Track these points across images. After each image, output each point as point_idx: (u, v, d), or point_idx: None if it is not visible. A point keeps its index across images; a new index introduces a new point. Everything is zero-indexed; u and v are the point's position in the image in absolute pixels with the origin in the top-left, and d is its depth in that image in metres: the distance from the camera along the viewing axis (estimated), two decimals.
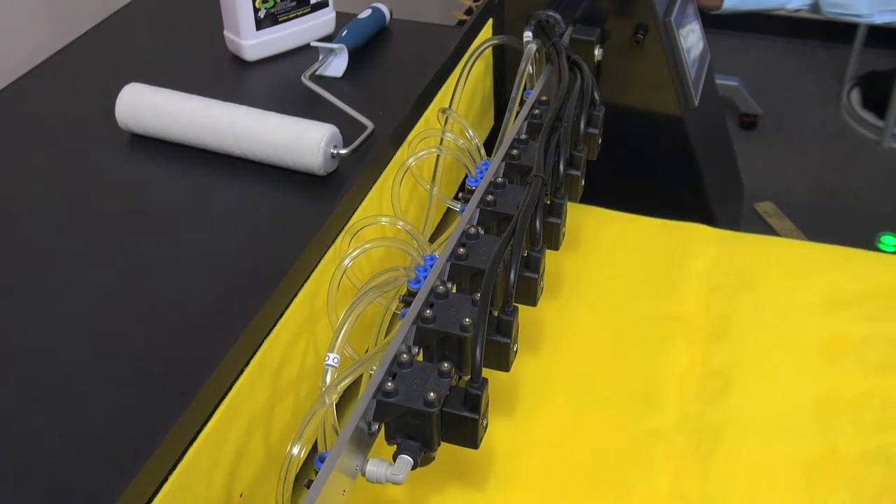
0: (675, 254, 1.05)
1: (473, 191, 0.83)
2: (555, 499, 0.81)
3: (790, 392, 0.89)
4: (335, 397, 0.63)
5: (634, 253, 1.06)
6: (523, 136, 0.90)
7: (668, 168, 1.24)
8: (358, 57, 1.01)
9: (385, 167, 0.88)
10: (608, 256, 1.05)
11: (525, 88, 1.00)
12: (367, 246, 0.74)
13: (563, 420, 0.87)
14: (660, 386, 0.90)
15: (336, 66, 0.99)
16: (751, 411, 0.87)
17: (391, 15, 1.08)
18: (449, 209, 0.97)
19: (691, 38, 1.22)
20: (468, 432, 0.64)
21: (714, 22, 1.44)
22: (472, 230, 0.77)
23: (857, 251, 1.05)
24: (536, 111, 0.94)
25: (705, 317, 0.97)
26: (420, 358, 0.69)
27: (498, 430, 0.84)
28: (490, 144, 0.97)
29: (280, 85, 0.99)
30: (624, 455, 0.83)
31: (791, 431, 0.85)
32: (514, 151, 0.87)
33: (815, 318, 0.96)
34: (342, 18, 1.07)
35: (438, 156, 0.91)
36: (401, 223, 0.79)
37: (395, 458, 0.63)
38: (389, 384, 0.63)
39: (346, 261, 0.73)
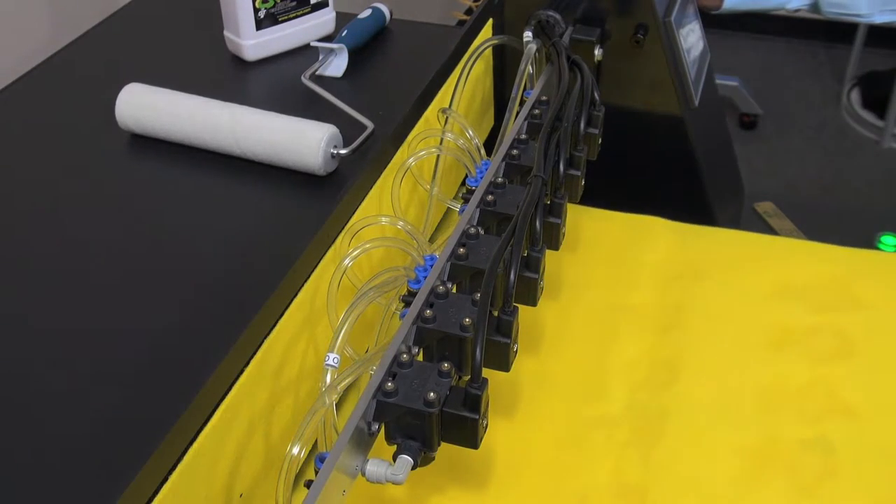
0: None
1: (473, 191, 0.83)
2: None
3: (735, 381, 0.90)
4: (335, 397, 0.63)
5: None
6: (523, 136, 0.90)
7: (668, 168, 1.24)
8: (358, 57, 1.01)
9: (385, 167, 0.88)
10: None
11: (525, 88, 1.00)
12: (367, 246, 0.74)
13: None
14: (611, 376, 0.91)
15: (336, 66, 0.99)
16: (696, 399, 0.88)
17: (391, 15, 1.08)
18: (449, 209, 0.97)
19: (691, 38, 1.22)
20: (468, 432, 0.64)
21: (714, 22, 1.44)
22: (472, 230, 0.77)
23: (807, 243, 1.07)
24: (536, 111, 0.94)
25: (659, 306, 0.98)
26: (420, 358, 0.69)
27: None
28: (490, 144, 0.97)
29: (280, 85, 0.99)
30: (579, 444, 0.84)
31: (733, 419, 0.86)
32: (514, 151, 0.87)
33: (765, 309, 0.98)
34: (342, 18, 1.07)
35: (438, 156, 0.91)
36: (401, 223, 0.79)
37: (395, 458, 0.63)
38: (389, 384, 0.63)
39: (346, 261, 0.73)
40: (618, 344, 0.94)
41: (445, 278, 0.74)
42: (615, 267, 1.04)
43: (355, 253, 0.73)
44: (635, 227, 1.09)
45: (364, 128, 0.87)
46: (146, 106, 0.87)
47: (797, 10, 1.44)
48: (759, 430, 0.85)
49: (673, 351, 0.93)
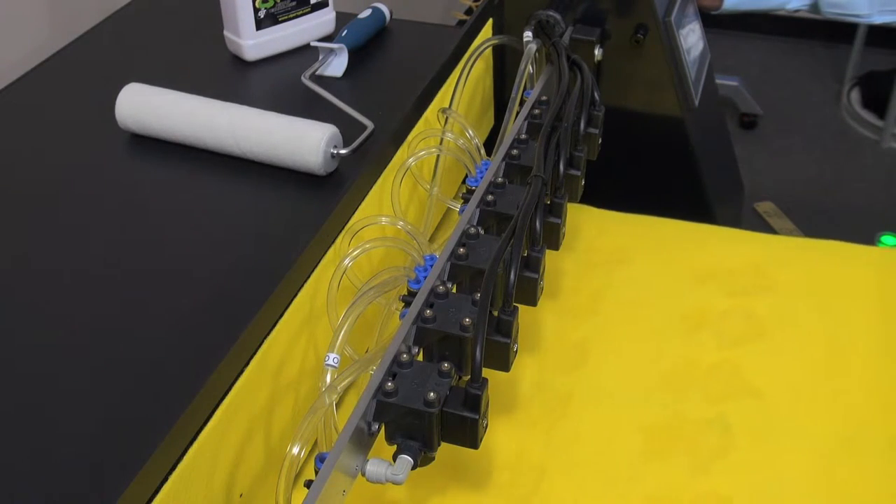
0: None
1: (473, 191, 0.83)
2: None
3: (645, 362, 0.92)
4: (335, 397, 0.63)
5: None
6: (523, 136, 0.90)
7: (668, 168, 1.24)
8: (358, 57, 1.01)
9: (385, 167, 0.88)
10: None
11: (525, 88, 1.00)
12: (367, 246, 0.74)
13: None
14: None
15: (336, 66, 0.99)
16: (603, 380, 0.90)
17: (391, 15, 1.08)
18: (449, 209, 0.97)
19: (691, 38, 1.22)
20: (468, 432, 0.64)
21: (714, 22, 1.44)
22: (472, 230, 0.77)
23: (729, 230, 1.09)
24: (536, 111, 0.94)
25: (576, 291, 1.00)
26: (420, 358, 0.69)
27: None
28: (490, 144, 0.97)
29: (280, 85, 0.99)
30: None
31: (638, 399, 0.88)
32: (514, 151, 0.87)
33: (682, 293, 0.99)
34: (342, 18, 1.07)
35: (438, 156, 0.91)
36: (401, 223, 0.79)
37: (395, 458, 0.63)
38: (389, 384, 0.63)
39: (346, 261, 0.73)
40: (538, 328, 0.96)
41: (445, 278, 0.74)
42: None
43: (355, 253, 0.73)
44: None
45: (364, 128, 0.87)
46: (146, 106, 0.87)
47: (797, 11, 1.44)
48: (663, 410, 0.86)
49: (587, 334, 0.95)
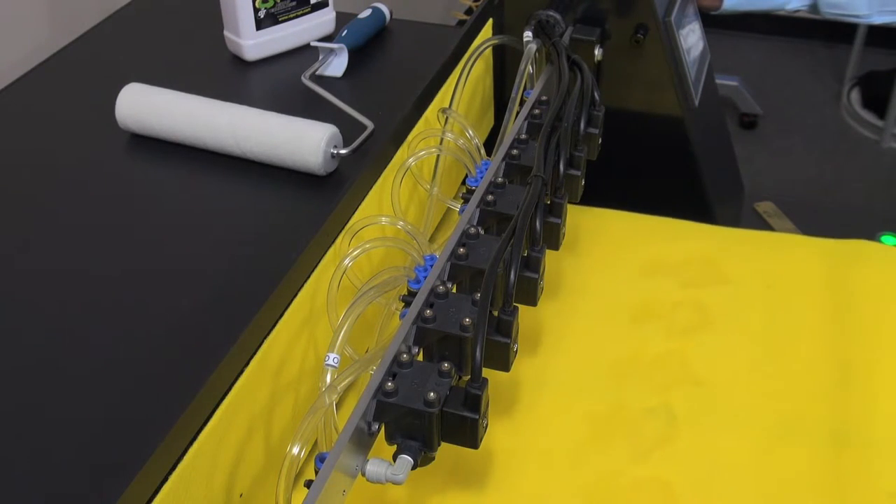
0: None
1: (473, 191, 0.83)
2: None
3: (593, 352, 0.93)
4: (335, 397, 0.63)
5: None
6: (523, 136, 0.90)
7: (668, 168, 1.24)
8: (358, 57, 1.01)
9: (385, 167, 0.88)
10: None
11: (525, 88, 1.00)
12: (367, 246, 0.74)
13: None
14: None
15: (336, 66, 0.99)
16: (551, 370, 0.91)
17: (391, 15, 1.08)
18: (449, 209, 0.97)
19: (691, 38, 1.22)
20: (468, 432, 0.64)
21: (714, 22, 1.44)
22: (472, 230, 0.77)
23: (684, 223, 1.10)
24: (536, 111, 0.94)
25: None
26: (420, 358, 0.69)
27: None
28: (490, 144, 0.97)
29: (280, 85, 0.99)
30: None
31: (584, 388, 0.89)
32: (514, 151, 0.87)
33: (633, 284, 1.01)
34: (342, 18, 1.07)
35: (438, 156, 0.91)
36: (401, 223, 0.79)
37: (395, 458, 0.63)
38: (389, 384, 0.63)
39: (346, 261, 0.73)
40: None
41: (445, 278, 0.74)
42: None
43: (355, 253, 0.73)
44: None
45: (364, 128, 0.87)
46: (146, 106, 0.87)
47: (796, 11, 1.44)
48: (608, 399, 0.88)
49: (536, 324, 0.95)
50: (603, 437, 0.84)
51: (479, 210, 0.81)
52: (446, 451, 0.66)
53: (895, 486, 0.79)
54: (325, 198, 0.80)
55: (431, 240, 0.91)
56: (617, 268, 1.03)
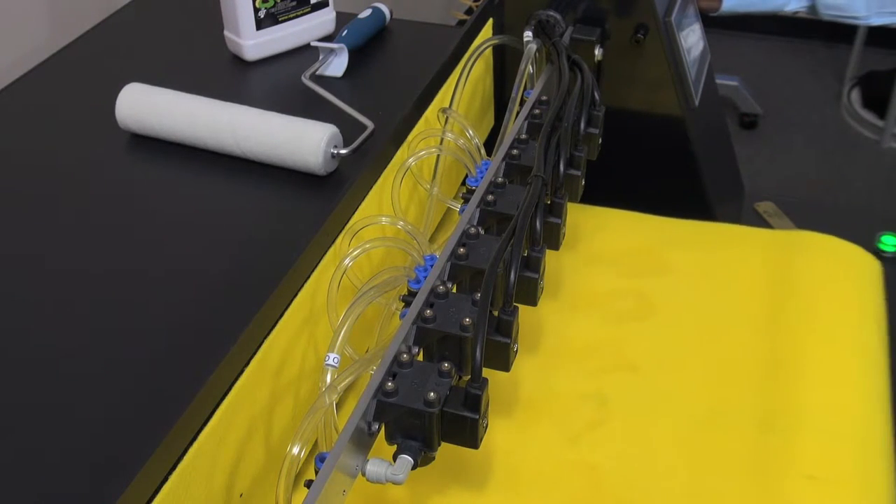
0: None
1: (473, 191, 0.83)
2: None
3: (530, 341, 0.93)
4: (335, 397, 0.63)
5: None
6: (523, 136, 0.90)
7: (668, 168, 1.24)
8: (358, 57, 1.01)
9: (385, 167, 0.88)
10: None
11: (525, 88, 1.00)
12: (367, 246, 0.74)
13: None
14: None
15: (336, 66, 0.99)
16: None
17: (391, 15, 1.08)
18: (449, 209, 0.97)
19: (691, 38, 1.22)
20: (468, 432, 0.64)
21: (714, 22, 1.44)
22: (472, 230, 0.77)
23: (628, 213, 1.11)
24: (536, 111, 0.94)
25: None
26: (420, 358, 0.69)
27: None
28: (490, 144, 0.97)
29: (280, 85, 0.99)
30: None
31: (519, 375, 0.89)
32: (514, 151, 0.87)
33: (574, 275, 1.01)
34: (342, 18, 1.07)
35: (438, 156, 0.91)
36: (401, 223, 0.79)
37: (395, 458, 0.63)
38: (389, 384, 0.63)
39: (346, 261, 0.73)
40: None
41: (445, 278, 0.74)
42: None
43: (355, 253, 0.73)
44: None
45: (364, 128, 0.87)
46: (146, 106, 0.87)
47: (796, 12, 1.44)
48: (541, 385, 0.89)
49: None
50: (534, 423, 0.86)
51: (479, 210, 0.81)
52: (446, 452, 0.66)
53: (814, 469, 0.81)
54: (325, 198, 0.80)
55: (431, 240, 0.91)
56: (559, 259, 1.04)
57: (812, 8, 1.42)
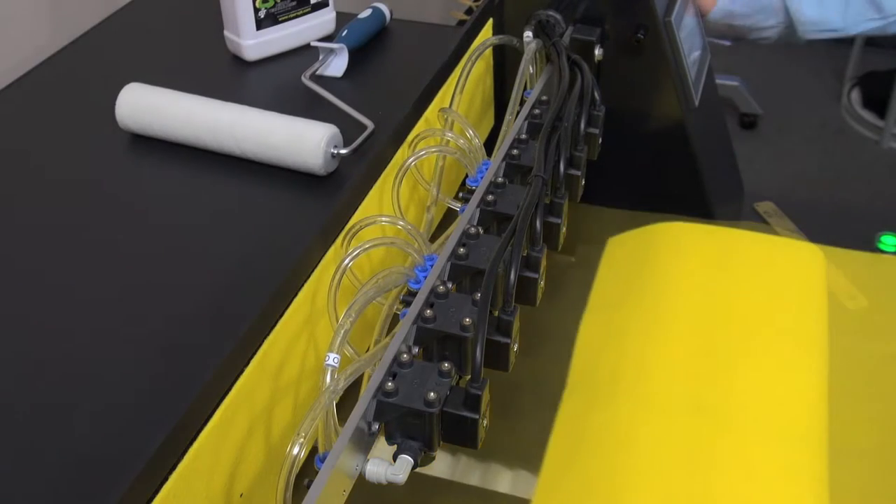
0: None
1: (473, 191, 0.83)
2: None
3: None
4: (335, 397, 0.63)
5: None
6: (523, 136, 0.90)
7: (668, 168, 1.24)
8: (358, 57, 1.01)
9: (385, 167, 0.88)
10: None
11: (525, 88, 1.00)
12: (367, 246, 0.74)
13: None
14: None
15: (336, 66, 0.99)
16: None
17: (391, 15, 1.08)
18: (449, 209, 0.97)
19: (691, 38, 1.22)
20: (468, 432, 0.64)
21: None
22: (472, 230, 0.77)
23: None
24: (536, 111, 0.94)
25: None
26: (420, 358, 0.69)
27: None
28: (490, 144, 0.97)
29: (280, 85, 0.99)
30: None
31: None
32: (514, 151, 0.87)
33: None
34: (342, 18, 1.07)
35: (440, 156, 0.91)
36: (401, 223, 0.79)
37: (395, 458, 0.63)
38: (389, 384, 0.63)
39: (346, 261, 0.73)
40: None
41: (445, 278, 0.74)
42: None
43: (355, 253, 0.73)
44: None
45: (364, 128, 0.87)
46: (146, 106, 0.87)
47: (770, 39, 1.43)
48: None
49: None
50: None
51: (479, 210, 0.81)
52: (446, 451, 0.66)
53: (743, 453, 0.83)
54: (325, 198, 0.81)
55: (431, 240, 0.91)
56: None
57: (790, 29, 1.40)
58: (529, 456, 0.87)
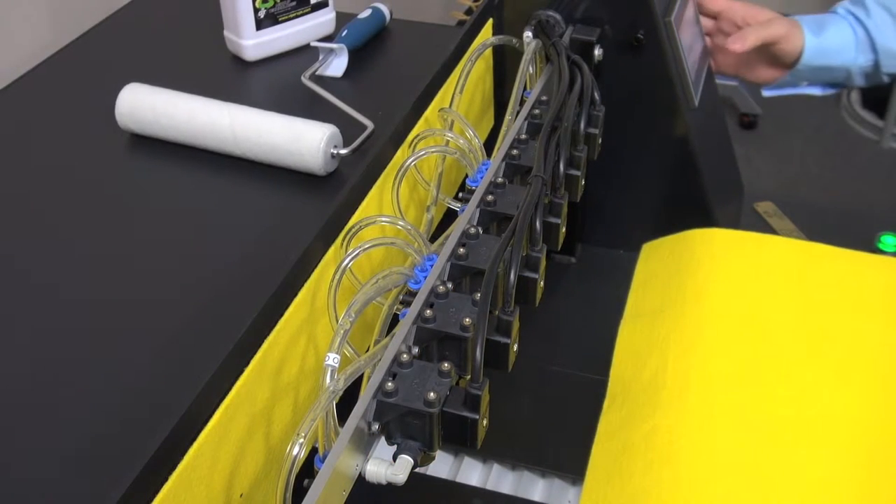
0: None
1: (473, 191, 0.83)
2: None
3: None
4: (335, 397, 0.63)
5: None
6: (523, 136, 0.90)
7: (667, 168, 1.24)
8: (358, 57, 1.01)
9: (385, 167, 0.88)
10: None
11: (525, 88, 1.00)
12: (367, 246, 0.74)
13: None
14: None
15: (336, 66, 0.99)
16: None
17: (391, 15, 1.08)
18: (449, 209, 0.97)
19: (691, 39, 1.22)
20: (468, 432, 0.64)
21: None
22: (472, 230, 0.77)
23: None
24: (536, 111, 0.94)
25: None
26: (420, 358, 0.69)
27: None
28: (490, 144, 0.97)
29: (280, 85, 0.99)
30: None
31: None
32: (514, 151, 0.87)
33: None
34: (342, 18, 1.07)
35: (440, 156, 0.91)
36: (401, 223, 0.79)
37: (395, 458, 0.63)
38: (389, 384, 0.63)
39: (346, 261, 0.73)
40: None
41: (445, 278, 0.74)
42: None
43: (355, 253, 0.73)
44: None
45: (364, 128, 0.87)
46: (146, 106, 0.87)
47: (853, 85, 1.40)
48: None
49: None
50: None
51: (479, 210, 0.81)
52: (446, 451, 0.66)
53: (792, 467, 0.81)
54: (325, 198, 0.81)
55: (431, 240, 0.91)
56: None
57: (875, 66, 1.36)
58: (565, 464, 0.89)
